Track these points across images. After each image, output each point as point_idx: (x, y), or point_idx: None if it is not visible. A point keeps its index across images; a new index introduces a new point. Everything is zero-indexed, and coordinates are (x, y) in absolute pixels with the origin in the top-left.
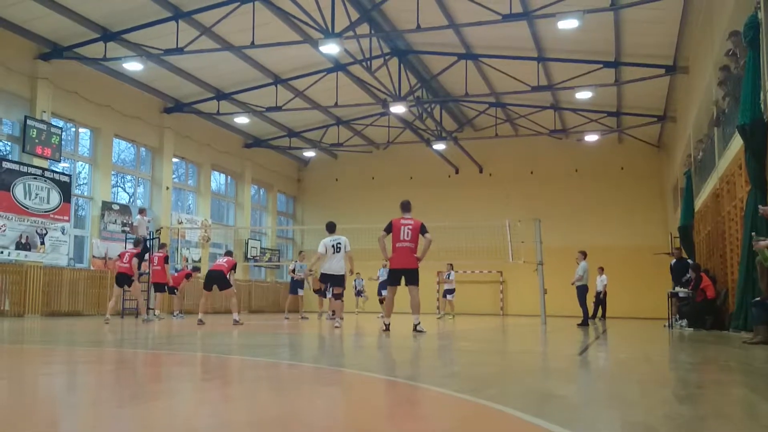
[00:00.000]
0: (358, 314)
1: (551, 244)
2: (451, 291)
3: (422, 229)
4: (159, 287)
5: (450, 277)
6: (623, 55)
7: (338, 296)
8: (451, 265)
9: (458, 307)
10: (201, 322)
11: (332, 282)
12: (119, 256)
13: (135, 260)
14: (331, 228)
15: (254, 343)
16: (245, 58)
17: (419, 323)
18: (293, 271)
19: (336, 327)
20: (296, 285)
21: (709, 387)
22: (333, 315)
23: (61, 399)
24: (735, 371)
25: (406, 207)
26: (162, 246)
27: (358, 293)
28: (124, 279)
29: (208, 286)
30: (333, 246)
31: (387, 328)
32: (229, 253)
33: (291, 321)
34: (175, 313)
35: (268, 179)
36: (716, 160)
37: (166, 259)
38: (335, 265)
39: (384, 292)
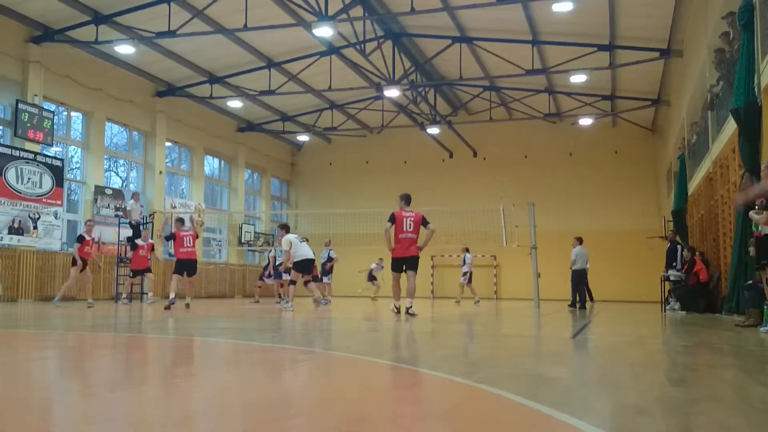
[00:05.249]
0: (373, 299)
1: (545, 228)
2: (464, 274)
3: (424, 221)
4: (138, 273)
5: (466, 260)
6: (618, 39)
7: (315, 279)
8: (466, 248)
9: (451, 290)
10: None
11: (308, 266)
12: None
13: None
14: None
15: (247, 327)
16: (238, 42)
17: (411, 306)
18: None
19: (320, 305)
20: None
21: (701, 370)
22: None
23: (55, 383)
24: (727, 354)
25: (407, 200)
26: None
27: (371, 279)
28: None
29: (179, 271)
30: (299, 238)
31: (398, 310)
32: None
33: (277, 306)
34: (149, 295)
35: (262, 163)
36: (710, 144)
37: (152, 248)
38: (308, 251)
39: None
